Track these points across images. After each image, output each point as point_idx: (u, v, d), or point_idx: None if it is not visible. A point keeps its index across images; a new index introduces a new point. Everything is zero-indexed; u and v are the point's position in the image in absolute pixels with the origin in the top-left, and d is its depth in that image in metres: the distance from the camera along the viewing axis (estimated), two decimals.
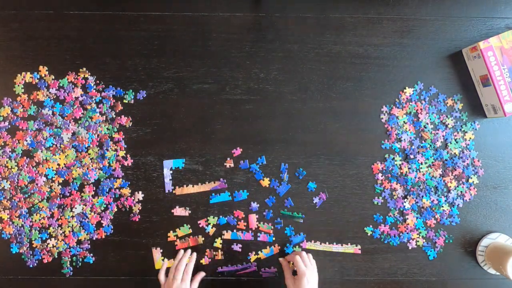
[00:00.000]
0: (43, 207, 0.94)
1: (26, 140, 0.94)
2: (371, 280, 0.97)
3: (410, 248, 0.97)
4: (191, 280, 0.90)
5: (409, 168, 0.97)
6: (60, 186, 0.95)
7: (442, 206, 0.97)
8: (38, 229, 0.94)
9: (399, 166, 0.97)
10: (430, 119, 0.97)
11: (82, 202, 0.95)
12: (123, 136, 0.96)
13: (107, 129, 0.95)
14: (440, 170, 0.97)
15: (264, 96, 0.97)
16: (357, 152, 0.97)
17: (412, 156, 0.97)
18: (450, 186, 0.97)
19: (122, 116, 0.96)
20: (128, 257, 0.96)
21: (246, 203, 0.96)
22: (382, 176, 0.97)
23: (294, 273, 0.87)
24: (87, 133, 0.95)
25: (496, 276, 0.96)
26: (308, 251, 0.96)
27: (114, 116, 0.96)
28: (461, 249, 0.98)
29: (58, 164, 0.94)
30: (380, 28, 0.98)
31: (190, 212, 0.95)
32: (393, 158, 0.97)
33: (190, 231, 0.96)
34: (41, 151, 0.94)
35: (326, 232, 0.97)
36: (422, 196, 0.97)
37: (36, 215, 0.94)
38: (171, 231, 0.96)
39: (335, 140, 0.97)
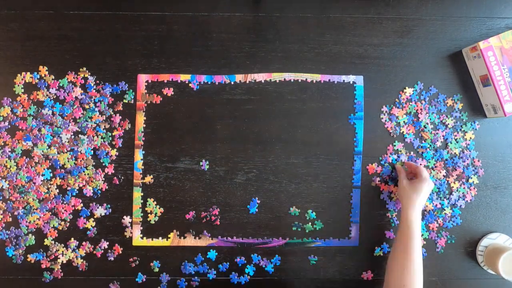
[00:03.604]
0: (33, 206, 0.94)
1: (25, 137, 0.94)
2: (371, 280, 0.97)
3: None
4: None
5: None
6: (57, 190, 0.95)
7: (445, 210, 0.97)
8: (34, 230, 0.94)
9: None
10: (430, 119, 0.97)
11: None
12: (122, 135, 0.96)
13: (103, 138, 0.95)
14: (444, 171, 0.97)
15: (264, 96, 0.97)
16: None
17: (414, 156, 0.97)
18: (453, 187, 0.97)
19: (120, 116, 0.96)
20: (128, 256, 0.96)
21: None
22: (379, 181, 0.97)
23: None
24: (86, 138, 0.95)
25: (495, 276, 0.96)
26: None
27: (113, 113, 0.96)
28: (462, 249, 0.98)
29: (58, 163, 0.94)
30: (380, 28, 0.98)
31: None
32: (393, 161, 0.97)
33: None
34: (40, 146, 0.94)
35: (326, 232, 0.97)
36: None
37: (31, 215, 0.94)
38: (175, 230, 0.96)
39: (335, 140, 0.97)
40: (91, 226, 0.95)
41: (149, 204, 0.95)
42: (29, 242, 0.94)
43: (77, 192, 0.95)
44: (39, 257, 0.95)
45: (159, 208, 0.96)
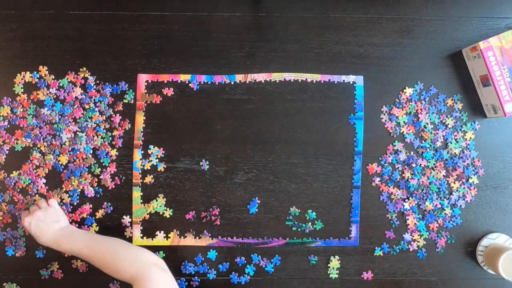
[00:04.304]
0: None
1: (26, 134, 0.94)
2: (371, 280, 0.97)
3: (411, 250, 0.97)
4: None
5: (411, 174, 0.96)
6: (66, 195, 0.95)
7: (445, 210, 0.97)
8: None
9: (400, 172, 0.97)
10: (430, 119, 0.97)
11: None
12: (122, 135, 0.96)
13: (103, 138, 0.95)
14: (444, 171, 0.97)
15: (264, 96, 0.97)
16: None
17: (414, 156, 0.97)
18: (453, 187, 0.97)
19: (120, 116, 0.96)
20: None
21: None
22: (379, 181, 0.97)
23: None
24: (86, 142, 0.95)
25: (495, 276, 0.96)
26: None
27: (113, 113, 0.96)
28: (462, 249, 0.98)
29: (59, 161, 0.94)
30: (380, 28, 0.98)
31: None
32: (393, 161, 0.97)
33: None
34: (40, 146, 0.94)
35: (326, 232, 0.97)
36: (426, 199, 0.96)
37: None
38: (175, 230, 0.96)
39: (335, 140, 0.97)
40: (94, 231, 0.95)
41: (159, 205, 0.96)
42: (28, 242, 0.94)
43: (79, 193, 0.95)
44: (39, 254, 0.94)
45: (166, 210, 0.96)
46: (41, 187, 0.94)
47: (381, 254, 0.97)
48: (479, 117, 0.98)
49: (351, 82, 0.97)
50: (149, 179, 0.96)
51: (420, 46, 0.98)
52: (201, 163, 0.96)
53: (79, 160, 0.95)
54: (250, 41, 0.97)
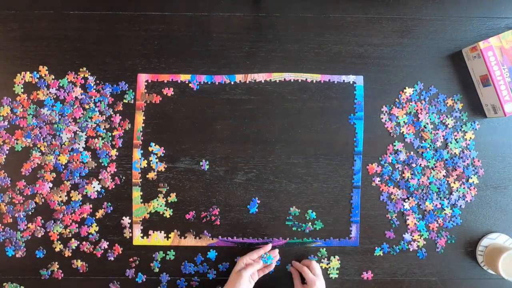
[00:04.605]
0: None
1: (26, 134, 0.94)
2: (371, 280, 0.97)
3: (411, 250, 0.97)
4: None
5: (411, 174, 0.96)
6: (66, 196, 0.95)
7: (445, 210, 0.97)
8: (32, 232, 0.95)
9: (400, 172, 0.97)
10: (430, 119, 0.97)
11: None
12: (122, 135, 0.96)
13: (103, 138, 0.95)
14: (444, 171, 0.97)
15: (264, 96, 0.97)
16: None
17: (414, 156, 0.97)
18: (453, 187, 0.97)
19: (120, 116, 0.96)
20: (128, 256, 0.95)
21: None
22: (379, 181, 0.97)
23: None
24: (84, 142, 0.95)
25: (495, 276, 0.96)
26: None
27: (113, 113, 0.96)
28: (462, 249, 0.98)
29: (59, 160, 0.94)
30: (380, 28, 0.98)
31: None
32: (393, 161, 0.97)
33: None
34: (40, 146, 0.94)
35: (327, 232, 0.97)
36: (426, 199, 0.96)
37: (32, 224, 0.94)
38: (175, 230, 0.96)
39: (335, 140, 0.97)
40: (94, 231, 0.95)
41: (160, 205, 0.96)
42: (28, 242, 0.94)
43: (81, 194, 0.95)
44: (39, 254, 0.94)
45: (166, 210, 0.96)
46: (47, 188, 0.94)
47: (381, 254, 0.97)
48: (479, 117, 0.98)
49: (351, 82, 0.97)
50: (152, 175, 0.95)
51: (420, 46, 0.98)
52: (201, 163, 0.96)
53: (78, 162, 0.95)
54: (250, 41, 0.97)
